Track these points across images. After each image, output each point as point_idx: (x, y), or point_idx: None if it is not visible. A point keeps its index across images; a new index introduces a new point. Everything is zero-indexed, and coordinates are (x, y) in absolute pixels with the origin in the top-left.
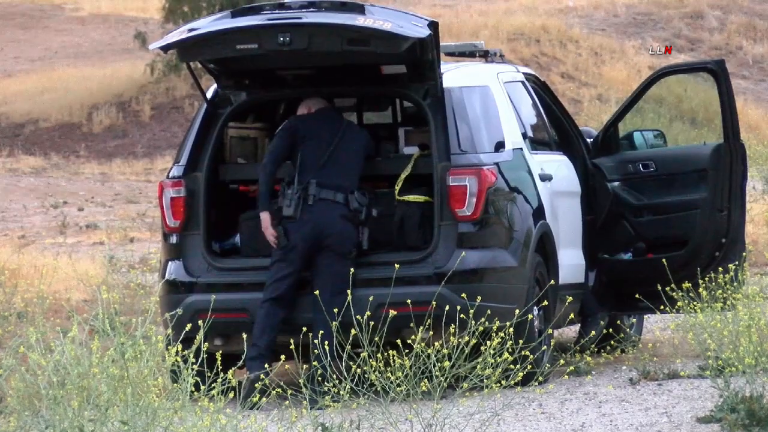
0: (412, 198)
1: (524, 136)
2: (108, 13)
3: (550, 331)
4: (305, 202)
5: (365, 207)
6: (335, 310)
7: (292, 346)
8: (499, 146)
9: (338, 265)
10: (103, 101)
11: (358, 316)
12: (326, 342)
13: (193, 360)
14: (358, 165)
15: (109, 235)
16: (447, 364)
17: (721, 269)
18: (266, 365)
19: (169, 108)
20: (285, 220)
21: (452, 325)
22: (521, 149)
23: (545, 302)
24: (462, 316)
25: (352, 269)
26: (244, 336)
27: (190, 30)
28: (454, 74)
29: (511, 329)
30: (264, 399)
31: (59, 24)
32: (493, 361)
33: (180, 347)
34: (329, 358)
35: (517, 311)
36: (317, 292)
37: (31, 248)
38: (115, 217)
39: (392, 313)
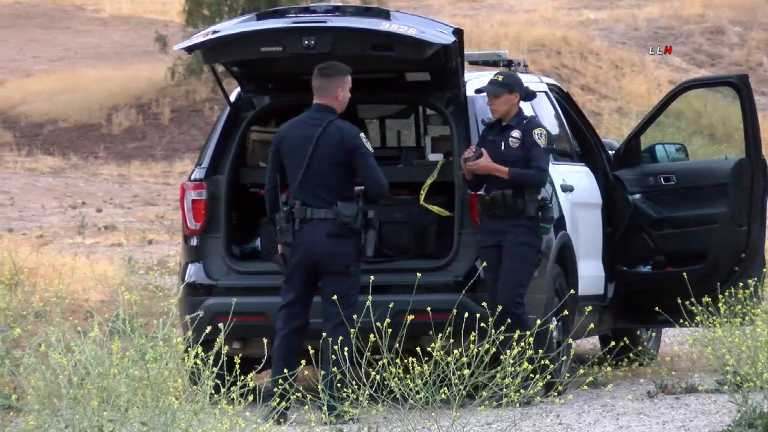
0: (435, 209)
1: None
2: (129, 15)
3: (570, 341)
4: (293, 226)
5: (357, 215)
6: (340, 340)
7: (312, 351)
8: None
9: (337, 286)
10: (122, 103)
11: (378, 323)
12: (330, 373)
13: (212, 362)
14: (339, 171)
15: (127, 236)
16: (466, 372)
17: (741, 284)
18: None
19: (189, 111)
20: (284, 246)
21: (472, 334)
22: None
23: (565, 313)
24: (482, 324)
25: (356, 282)
26: (265, 341)
27: (215, 32)
28: (477, 83)
29: (531, 339)
30: (285, 405)
31: (80, 25)
32: (512, 370)
33: (199, 350)
34: (331, 386)
35: (537, 321)
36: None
37: (49, 248)
38: (133, 219)
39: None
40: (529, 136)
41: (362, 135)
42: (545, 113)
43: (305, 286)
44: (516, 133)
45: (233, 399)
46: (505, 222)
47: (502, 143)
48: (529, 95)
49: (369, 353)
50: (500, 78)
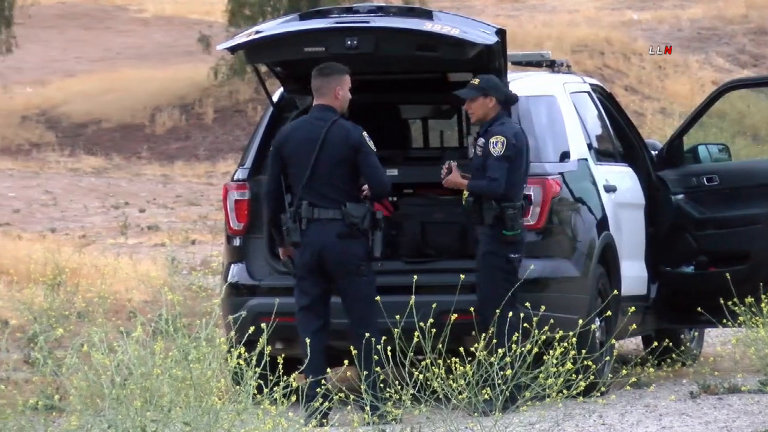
0: None
1: (589, 146)
2: (172, 15)
3: (613, 341)
4: (300, 226)
5: (365, 216)
6: (367, 335)
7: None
8: (564, 156)
9: (353, 286)
10: (165, 103)
11: (421, 323)
12: (365, 371)
13: (255, 363)
14: (346, 171)
15: (170, 236)
16: (509, 372)
17: None
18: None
19: (232, 111)
20: (292, 246)
21: (515, 333)
22: (586, 160)
23: (608, 313)
24: (525, 325)
25: (370, 280)
26: (308, 341)
27: (258, 32)
28: (520, 83)
29: (574, 339)
30: (328, 406)
31: (122, 25)
32: (555, 370)
33: (242, 350)
34: (374, 386)
35: (579, 322)
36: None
37: (91, 248)
38: (176, 219)
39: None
40: (486, 145)
41: (365, 134)
42: (588, 113)
43: (319, 285)
44: (480, 141)
45: (276, 399)
46: (474, 230)
47: (472, 151)
48: (510, 100)
49: (412, 353)
50: (477, 81)
